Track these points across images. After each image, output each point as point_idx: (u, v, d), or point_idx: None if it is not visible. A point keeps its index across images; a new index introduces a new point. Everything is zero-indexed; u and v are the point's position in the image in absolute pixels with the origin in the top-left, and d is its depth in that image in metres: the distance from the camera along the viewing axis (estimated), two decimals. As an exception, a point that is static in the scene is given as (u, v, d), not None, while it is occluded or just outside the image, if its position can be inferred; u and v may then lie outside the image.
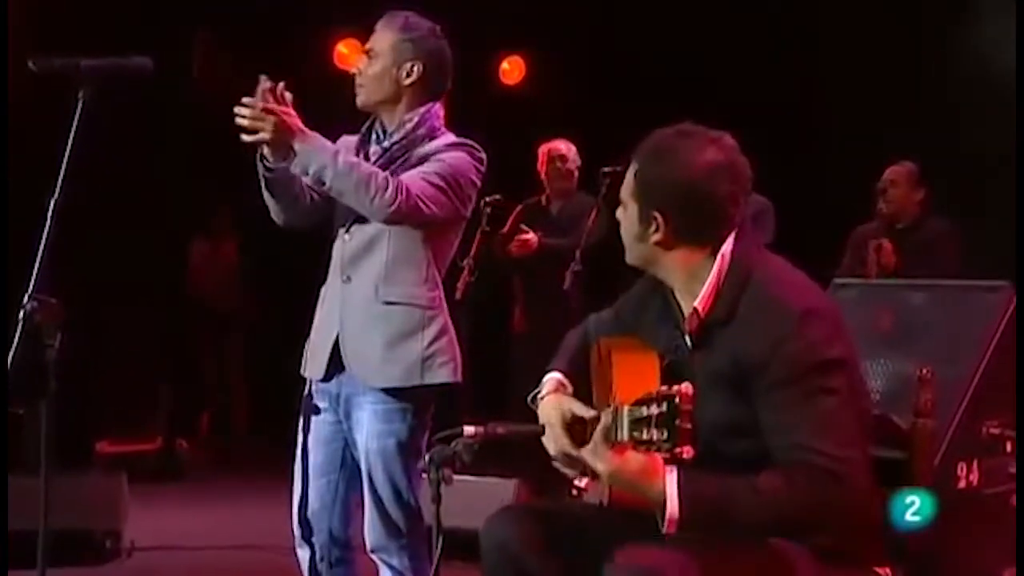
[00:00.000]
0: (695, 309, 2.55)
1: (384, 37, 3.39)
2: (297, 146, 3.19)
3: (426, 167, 3.31)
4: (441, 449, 2.59)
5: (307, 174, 3.22)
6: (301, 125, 3.22)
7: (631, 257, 2.65)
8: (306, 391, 3.47)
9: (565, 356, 2.83)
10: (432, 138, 3.37)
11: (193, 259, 9.13)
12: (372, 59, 3.39)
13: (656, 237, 2.56)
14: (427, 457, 2.61)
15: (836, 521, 2.42)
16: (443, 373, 3.35)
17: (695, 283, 2.56)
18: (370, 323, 3.33)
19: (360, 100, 3.42)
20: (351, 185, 3.21)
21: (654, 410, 2.27)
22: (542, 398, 2.71)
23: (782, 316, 2.44)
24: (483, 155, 3.39)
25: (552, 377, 2.76)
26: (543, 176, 6.74)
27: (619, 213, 2.66)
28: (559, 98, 8.35)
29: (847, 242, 6.17)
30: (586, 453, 2.43)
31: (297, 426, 3.48)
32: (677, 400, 2.25)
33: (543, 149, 6.74)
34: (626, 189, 2.62)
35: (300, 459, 3.46)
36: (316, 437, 3.44)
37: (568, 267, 5.95)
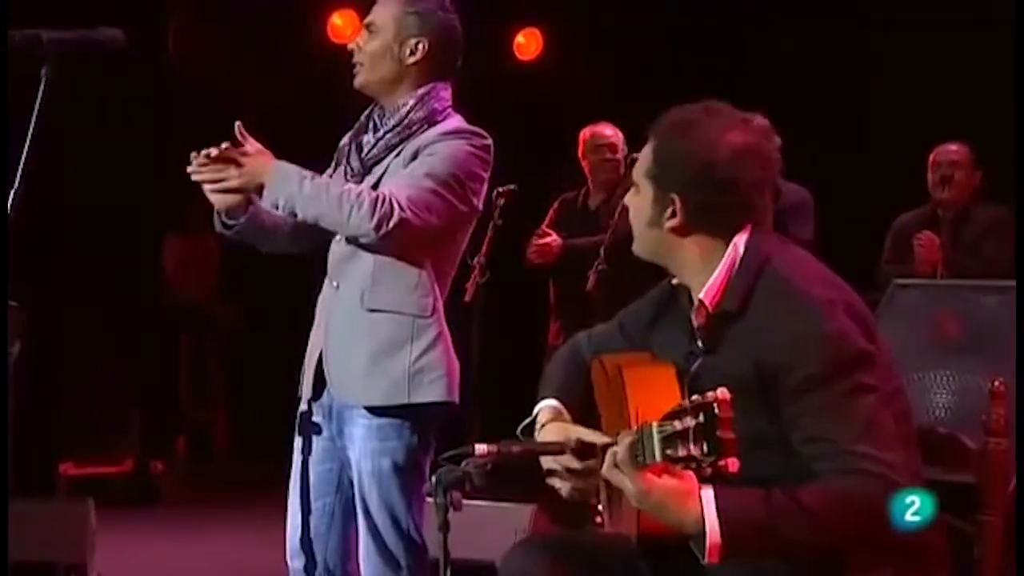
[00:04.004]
0: (701, 301, 2.55)
1: (386, 9, 3.39)
2: (266, 180, 3.24)
3: (415, 167, 3.29)
4: (449, 470, 2.58)
5: (277, 208, 3.26)
6: (267, 156, 3.26)
7: (640, 246, 2.65)
8: (301, 405, 3.47)
9: (555, 381, 2.81)
10: (432, 123, 3.36)
11: (168, 257, 9.14)
12: (372, 34, 3.40)
13: (672, 223, 2.57)
14: (433, 479, 2.59)
15: (892, 532, 2.39)
16: (434, 390, 3.31)
17: (709, 275, 2.56)
18: (354, 334, 3.33)
19: (358, 80, 3.42)
20: (323, 209, 3.24)
21: (689, 423, 2.24)
22: (541, 427, 2.70)
23: (803, 308, 2.44)
24: (487, 141, 3.37)
25: (547, 405, 2.74)
26: (584, 166, 6.47)
27: (629, 197, 2.66)
28: (579, 75, 8.34)
29: (888, 233, 6.12)
30: (609, 474, 2.39)
31: (288, 444, 3.48)
32: (716, 408, 2.22)
33: (584, 134, 6.46)
34: (640, 169, 2.63)
35: (295, 483, 3.45)
36: (309, 457, 3.44)
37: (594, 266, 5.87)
